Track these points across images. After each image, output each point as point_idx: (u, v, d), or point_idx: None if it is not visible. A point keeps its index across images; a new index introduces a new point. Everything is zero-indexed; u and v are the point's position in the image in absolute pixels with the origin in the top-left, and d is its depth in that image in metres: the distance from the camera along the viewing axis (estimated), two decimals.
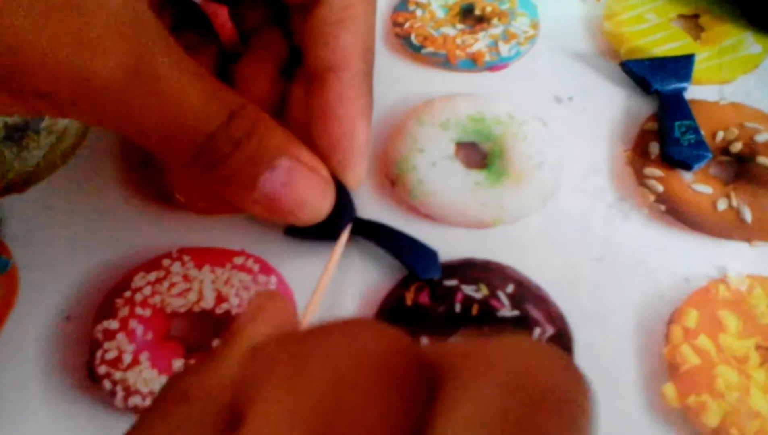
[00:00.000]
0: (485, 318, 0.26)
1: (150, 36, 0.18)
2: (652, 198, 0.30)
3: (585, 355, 0.25)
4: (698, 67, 0.34)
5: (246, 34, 0.28)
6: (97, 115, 0.18)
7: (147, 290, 0.27)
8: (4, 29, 0.16)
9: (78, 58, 0.17)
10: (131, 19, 0.18)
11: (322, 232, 0.25)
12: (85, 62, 0.17)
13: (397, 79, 0.36)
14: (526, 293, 0.27)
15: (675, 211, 0.29)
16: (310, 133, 0.24)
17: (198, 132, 0.19)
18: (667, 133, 0.31)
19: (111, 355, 0.25)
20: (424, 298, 0.26)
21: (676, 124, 0.31)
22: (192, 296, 0.26)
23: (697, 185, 0.30)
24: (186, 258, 0.28)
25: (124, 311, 0.26)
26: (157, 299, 0.26)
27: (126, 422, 0.25)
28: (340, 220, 0.26)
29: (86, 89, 0.17)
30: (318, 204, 0.22)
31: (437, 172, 0.30)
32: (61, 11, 0.16)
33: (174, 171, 0.30)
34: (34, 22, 0.16)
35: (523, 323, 0.26)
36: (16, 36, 0.16)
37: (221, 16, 0.33)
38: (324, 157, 0.23)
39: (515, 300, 0.26)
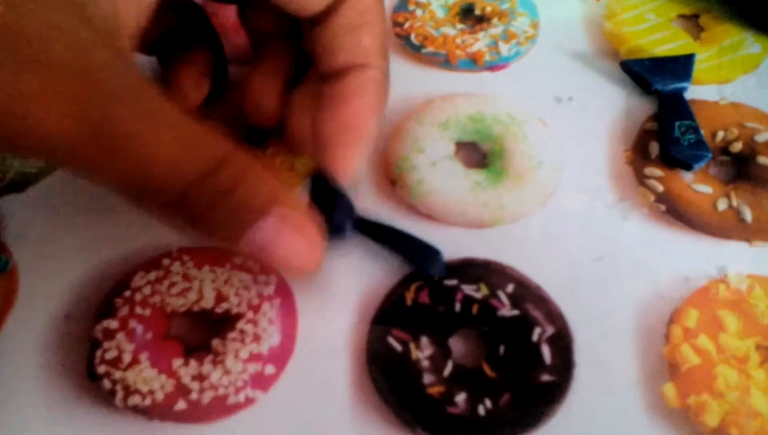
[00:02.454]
0: (485, 317, 0.26)
1: (114, 86, 0.17)
2: (652, 198, 0.30)
3: (585, 355, 0.25)
4: (698, 67, 0.34)
5: (255, 41, 0.28)
6: (66, 167, 0.18)
7: (147, 290, 0.27)
8: None
9: (28, 116, 0.16)
10: (89, 70, 0.16)
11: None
12: (36, 121, 0.16)
13: (397, 79, 0.35)
14: (526, 293, 0.27)
15: (675, 211, 0.29)
16: (316, 120, 0.24)
17: (173, 187, 0.18)
18: (667, 132, 0.31)
19: (111, 355, 0.25)
20: (424, 298, 0.26)
21: (677, 123, 0.31)
22: (192, 296, 0.26)
23: (697, 185, 0.30)
24: (186, 257, 0.28)
25: (123, 311, 0.26)
26: (156, 299, 0.26)
27: (126, 422, 0.25)
28: (339, 221, 0.26)
29: (44, 147, 0.16)
30: (307, 258, 0.21)
31: (437, 172, 0.30)
32: (7, 66, 0.15)
33: None
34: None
35: (523, 323, 0.26)
36: None
37: (221, 16, 0.33)
38: (324, 143, 0.23)
39: (515, 300, 0.26)
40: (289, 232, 0.20)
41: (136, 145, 0.17)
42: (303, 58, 0.27)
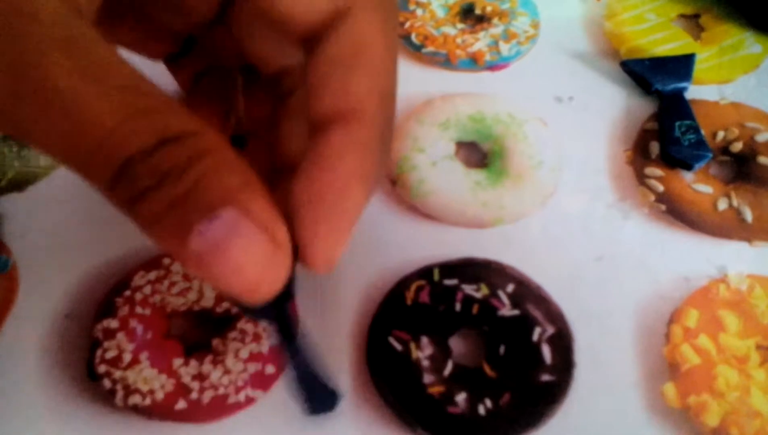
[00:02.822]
0: (485, 317, 0.26)
1: (56, 37, 0.15)
2: (652, 198, 0.30)
3: (585, 355, 0.25)
4: (699, 67, 0.34)
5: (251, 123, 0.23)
6: None
7: (147, 289, 0.27)
8: None
9: None
10: (29, 17, 0.14)
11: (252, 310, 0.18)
12: None
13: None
14: (527, 293, 0.27)
15: (675, 211, 0.29)
16: (291, 186, 0.18)
17: (108, 158, 0.15)
18: (667, 132, 0.31)
19: (111, 354, 0.25)
20: (424, 298, 0.26)
21: (677, 123, 0.31)
22: (192, 295, 0.26)
23: (698, 185, 0.30)
24: None
25: (124, 310, 0.26)
26: (157, 298, 0.26)
27: (126, 421, 0.25)
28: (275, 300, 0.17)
29: None
30: (261, 277, 0.16)
31: (437, 171, 0.30)
32: None
33: None
34: None
35: (523, 323, 0.26)
36: None
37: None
38: (295, 218, 0.17)
39: (515, 299, 0.26)
40: (247, 231, 0.15)
41: (72, 104, 0.15)
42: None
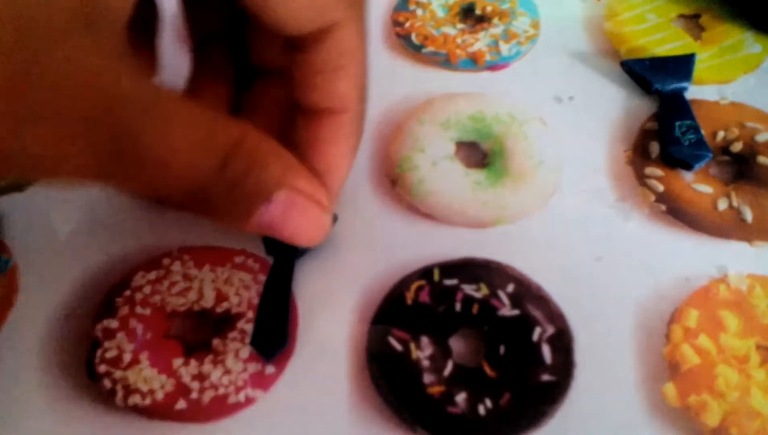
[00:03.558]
0: (485, 317, 0.26)
1: (127, 102, 0.17)
2: (652, 198, 0.30)
3: (585, 355, 0.25)
4: (699, 67, 0.34)
5: (196, 43, 0.26)
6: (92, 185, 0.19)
7: (147, 289, 0.27)
8: None
9: (51, 163, 0.17)
10: (107, 105, 0.17)
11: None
12: (58, 164, 0.17)
13: (397, 79, 0.36)
14: (527, 293, 0.27)
15: (675, 211, 0.29)
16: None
17: (189, 185, 0.19)
18: (667, 132, 0.31)
19: (111, 354, 0.25)
20: (425, 297, 0.26)
21: (677, 123, 0.31)
22: (192, 295, 0.27)
23: (698, 185, 0.30)
24: (186, 257, 0.28)
25: (124, 310, 0.26)
26: (157, 298, 0.26)
27: (126, 421, 0.25)
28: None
29: (63, 176, 0.18)
30: (315, 231, 0.22)
31: (438, 171, 0.30)
32: (30, 122, 0.16)
33: None
34: (8, 132, 0.16)
35: (523, 323, 0.26)
36: None
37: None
38: None
39: (515, 299, 0.26)
40: (298, 205, 0.21)
41: (154, 156, 0.18)
42: (246, 67, 0.26)
